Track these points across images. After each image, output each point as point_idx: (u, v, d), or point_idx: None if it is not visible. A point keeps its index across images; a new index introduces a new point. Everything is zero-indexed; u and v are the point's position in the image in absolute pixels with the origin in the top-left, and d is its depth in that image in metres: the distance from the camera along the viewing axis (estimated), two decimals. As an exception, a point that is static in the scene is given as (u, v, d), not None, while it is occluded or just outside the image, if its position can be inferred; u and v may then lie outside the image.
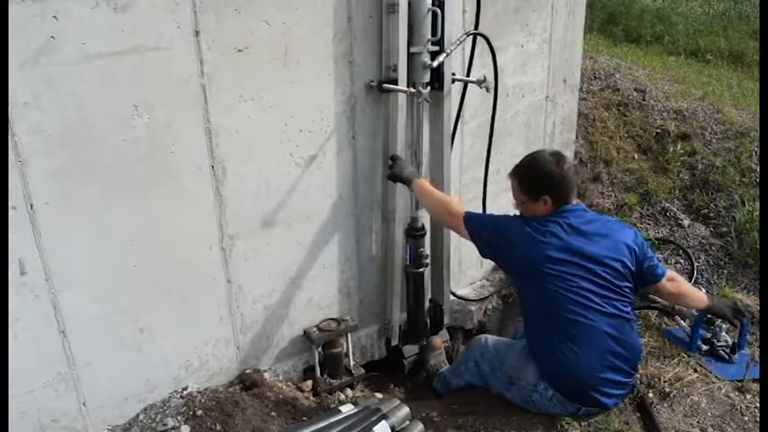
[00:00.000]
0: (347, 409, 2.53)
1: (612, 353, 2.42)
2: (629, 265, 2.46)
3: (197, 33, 2.26)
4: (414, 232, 3.00)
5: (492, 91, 2.92)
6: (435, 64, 2.72)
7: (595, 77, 4.74)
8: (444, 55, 2.72)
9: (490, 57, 2.91)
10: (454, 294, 3.37)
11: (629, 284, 2.48)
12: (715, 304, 2.75)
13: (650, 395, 2.63)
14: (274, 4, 2.40)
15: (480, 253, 2.60)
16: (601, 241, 2.44)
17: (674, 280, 2.66)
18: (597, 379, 2.42)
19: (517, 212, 2.60)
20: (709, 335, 2.94)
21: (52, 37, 2.00)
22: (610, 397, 2.48)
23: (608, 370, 2.43)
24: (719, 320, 2.90)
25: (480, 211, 3.25)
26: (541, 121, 3.61)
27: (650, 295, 3.05)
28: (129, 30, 2.13)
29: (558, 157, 2.48)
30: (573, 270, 2.38)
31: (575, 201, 2.51)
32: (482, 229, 2.53)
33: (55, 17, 1.99)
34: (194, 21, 2.24)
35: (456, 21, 2.90)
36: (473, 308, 3.49)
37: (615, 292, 2.43)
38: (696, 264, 3.62)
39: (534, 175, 2.47)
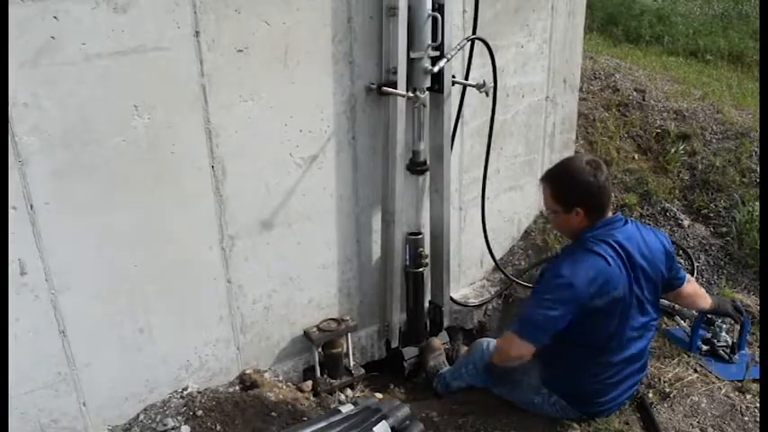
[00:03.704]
0: (347, 409, 2.53)
1: (632, 372, 2.44)
2: (664, 273, 2.39)
3: (197, 34, 2.26)
4: (416, 167, 2.91)
5: (491, 94, 2.92)
6: (436, 69, 2.72)
7: (595, 77, 4.74)
8: (445, 60, 2.72)
9: (489, 58, 2.92)
10: (454, 300, 3.37)
11: (659, 296, 2.44)
12: (718, 304, 2.75)
13: (650, 395, 2.63)
14: (274, 5, 2.40)
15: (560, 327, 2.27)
16: (645, 255, 2.30)
17: (690, 281, 2.63)
18: (608, 399, 2.45)
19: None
20: (709, 335, 2.95)
21: (52, 37, 2.01)
22: (614, 407, 2.52)
23: (624, 388, 2.46)
24: (720, 320, 2.90)
25: (480, 213, 3.26)
26: (541, 122, 3.61)
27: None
28: (129, 30, 2.13)
29: (594, 165, 2.25)
30: (630, 295, 2.28)
31: (610, 212, 2.34)
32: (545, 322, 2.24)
33: (55, 17, 1.99)
34: (194, 21, 2.24)
35: (456, 22, 2.90)
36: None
37: (650, 314, 2.38)
38: (696, 264, 3.62)
39: (569, 185, 2.29)
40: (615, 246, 2.25)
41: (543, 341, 2.25)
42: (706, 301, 2.70)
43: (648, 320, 2.39)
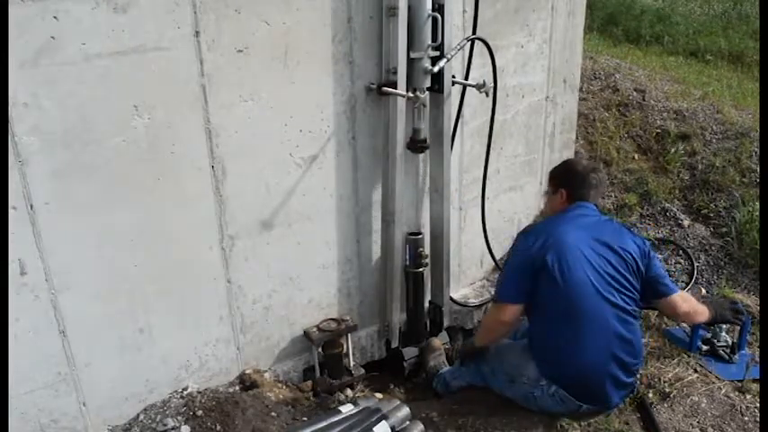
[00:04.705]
0: (347, 409, 2.53)
1: (618, 349, 2.43)
2: (638, 261, 2.48)
3: (197, 34, 2.26)
4: (416, 144, 2.89)
5: (491, 94, 2.92)
6: (436, 69, 2.72)
7: (595, 77, 4.74)
8: (445, 60, 2.73)
9: (489, 58, 2.92)
10: (454, 300, 3.37)
11: (637, 282, 2.49)
12: (717, 313, 2.76)
13: (650, 395, 2.63)
14: (274, 5, 2.40)
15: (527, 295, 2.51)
16: (613, 234, 2.51)
17: (687, 301, 2.69)
18: (601, 377, 2.43)
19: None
20: (709, 335, 2.95)
21: (52, 37, 2.01)
22: (612, 395, 2.49)
23: (612, 366, 2.44)
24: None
25: (480, 213, 3.26)
26: (541, 122, 3.61)
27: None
28: (129, 30, 2.13)
29: (591, 165, 2.70)
30: (595, 257, 2.42)
31: (588, 203, 2.60)
32: (514, 285, 2.51)
33: (55, 17, 1.99)
34: (194, 21, 2.24)
35: (456, 22, 2.90)
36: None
37: (624, 286, 2.44)
38: (696, 264, 3.62)
39: (560, 170, 2.72)
40: (579, 222, 2.51)
41: (520, 298, 2.49)
42: (704, 315, 2.73)
43: (623, 291, 2.43)
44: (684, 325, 3.06)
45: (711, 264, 3.65)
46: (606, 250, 2.44)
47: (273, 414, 2.58)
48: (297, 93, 2.56)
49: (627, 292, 2.45)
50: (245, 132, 2.48)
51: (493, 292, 2.86)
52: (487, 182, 3.22)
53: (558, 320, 2.43)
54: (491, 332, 2.70)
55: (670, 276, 3.52)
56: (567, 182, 2.60)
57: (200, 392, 2.64)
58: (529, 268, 2.44)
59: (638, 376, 2.66)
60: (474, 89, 2.88)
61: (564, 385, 2.45)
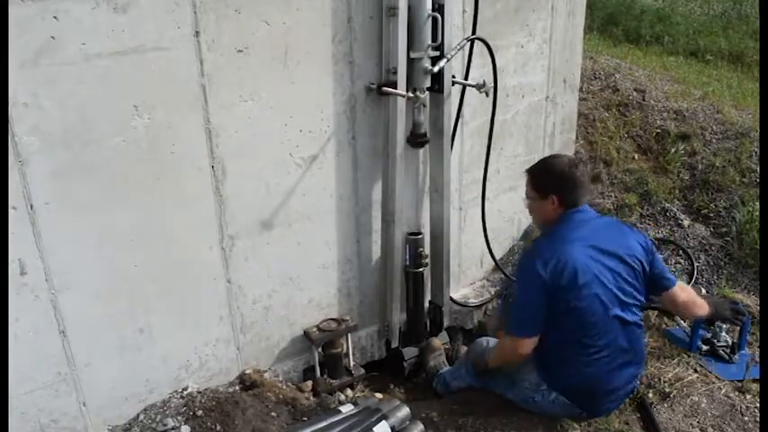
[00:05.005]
0: (347, 409, 2.54)
1: (622, 361, 2.43)
2: (644, 262, 2.44)
3: (197, 34, 2.26)
4: (416, 139, 2.87)
5: (491, 94, 2.92)
6: (436, 69, 2.72)
7: (595, 77, 4.74)
8: (445, 60, 2.73)
9: (489, 58, 2.92)
10: (454, 300, 3.37)
11: (643, 286, 2.46)
12: (716, 311, 2.74)
13: (650, 395, 2.63)
14: (274, 5, 2.40)
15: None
16: (617, 238, 2.44)
17: (685, 290, 2.65)
18: (605, 390, 2.45)
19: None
20: (709, 335, 2.95)
21: (52, 37, 2.01)
22: (613, 403, 2.51)
23: (616, 378, 2.44)
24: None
25: (480, 213, 3.26)
26: (541, 122, 3.61)
27: (655, 304, 3.02)
28: (129, 30, 2.13)
29: (573, 160, 2.50)
30: (605, 273, 2.35)
31: (583, 205, 2.47)
32: (531, 316, 2.40)
33: (55, 17, 1.99)
34: (194, 21, 2.24)
35: (456, 22, 2.90)
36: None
37: (633, 297, 2.41)
38: (696, 264, 3.62)
39: (545, 174, 2.47)
40: (581, 233, 2.40)
41: (538, 330, 2.40)
42: (703, 309, 2.68)
43: (631, 303, 2.40)
44: (684, 325, 3.07)
45: (711, 264, 3.65)
46: (615, 262, 2.36)
47: (273, 414, 2.58)
48: (297, 93, 2.56)
49: (635, 302, 2.42)
50: (245, 132, 2.48)
51: (503, 307, 2.71)
52: (487, 182, 3.22)
53: (565, 336, 2.39)
54: (509, 361, 2.56)
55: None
56: (557, 187, 2.41)
57: (200, 392, 2.64)
58: (544, 297, 2.34)
59: (639, 378, 2.66)
60: (474, 89, 2.88)
61: (565, 393, 2.45)
